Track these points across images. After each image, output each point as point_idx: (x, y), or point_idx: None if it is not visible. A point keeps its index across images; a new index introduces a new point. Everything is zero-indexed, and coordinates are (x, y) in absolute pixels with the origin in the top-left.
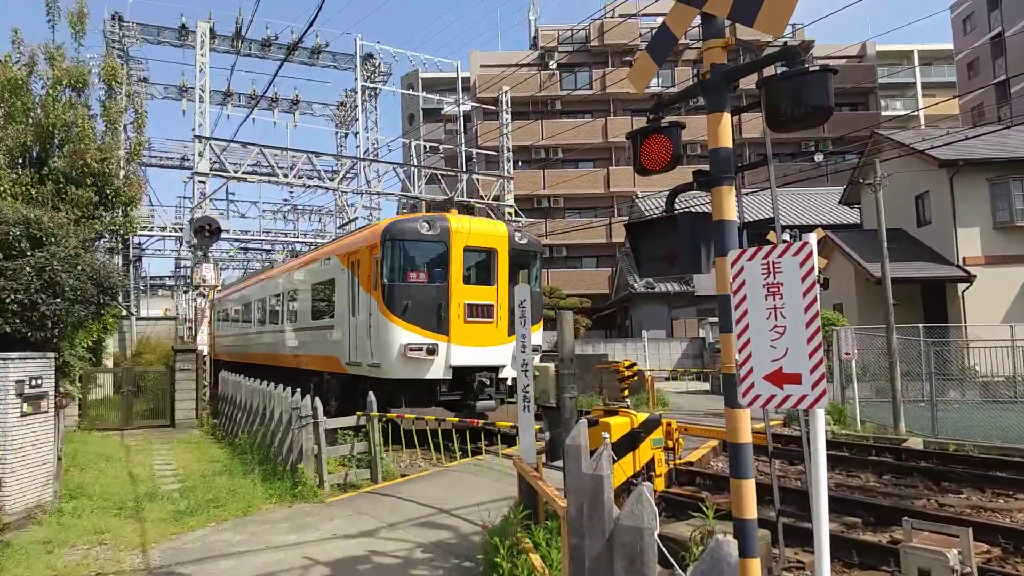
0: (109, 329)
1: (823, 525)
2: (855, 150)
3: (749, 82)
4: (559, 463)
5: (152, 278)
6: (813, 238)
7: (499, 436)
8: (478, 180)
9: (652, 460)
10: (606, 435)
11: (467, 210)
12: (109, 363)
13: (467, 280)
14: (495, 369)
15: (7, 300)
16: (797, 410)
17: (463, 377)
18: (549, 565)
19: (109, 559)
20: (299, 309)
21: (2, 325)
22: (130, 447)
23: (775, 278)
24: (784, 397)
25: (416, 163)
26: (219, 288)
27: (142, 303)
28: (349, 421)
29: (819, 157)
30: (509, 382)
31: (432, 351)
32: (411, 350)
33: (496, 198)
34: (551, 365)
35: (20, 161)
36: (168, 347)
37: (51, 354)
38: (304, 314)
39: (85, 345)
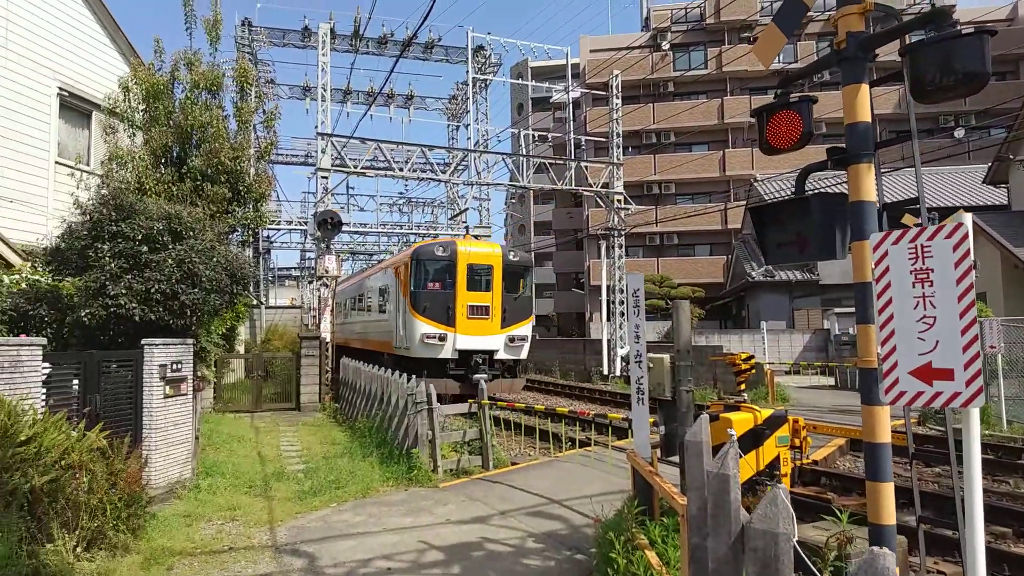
0: (241, 317)
1: (978, 535)
2: (1003, 123)
3: (882, 52)
4: (675, 458)
5: (279, 269)
6: (968, 219)
7: (610, 428)
8: (587, 168)
9: (776, 458)
10: (732, 432)
11: (475, 238)
12: (241, 349)
13: (470, 288)
14: (490, 352)
15: (152, 290)
16: (931, 408)
17: (467, 357)
18: (666, 563)
19: (240, 534)
20: (373, 305)
21: (147, 313)
22: (259, 428)
23: (924, 263)
24: (933, 395)
25: (524, 153)
26: (339, 279)
27: (270, 293)
28: (461, 408)
29: (959, 133)
30: (500, 358)
31: (443, 338)
32: (427, 337)
33: (605, 185)
34: (666, 357)
35: (163, 161)
36: (294, 334)
37: (190, 340)
38: (375, 309)
39: (220, 332)
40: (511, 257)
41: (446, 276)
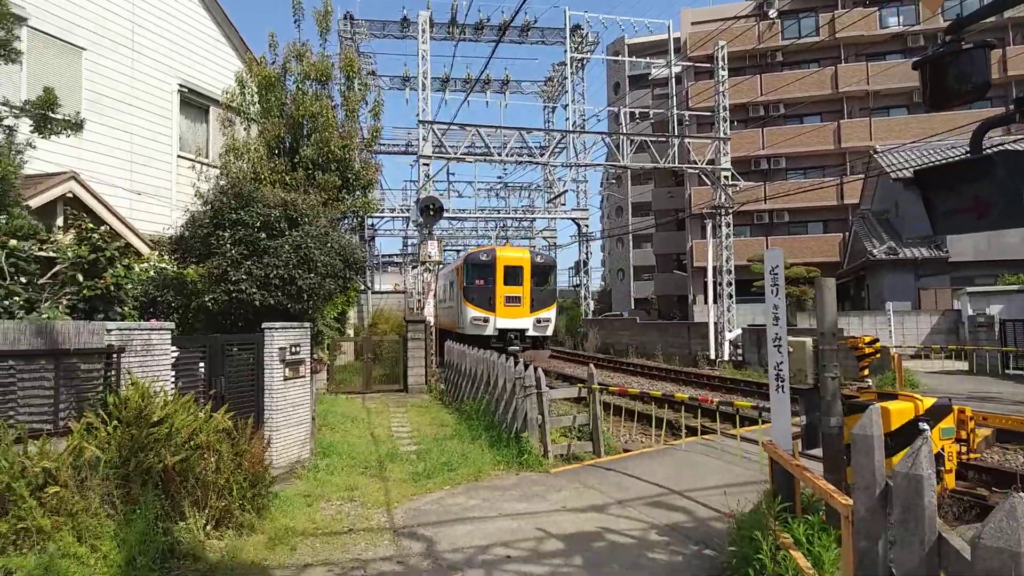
0: (351, 302)
1: None
2: None
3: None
4: (816, 451)
5: (383, 256)
6: None
7: (737, 417)
8: (690, 144)
9: (940, 453)
10: (925, 427)
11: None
12: (350, 333)
13: (506, 283)
14: (522, 330)
15: (271, 275)
16: None
17: (504, 334)
18: (818, 565)
19: (359, 516)
20: (448, 294)
21: (267, 297)
22: (370, 409)
23: None
24: None
25: (623, 131)
26: (441, 265)
27: (375, 279)
28: (570, 392)
29: None
30: (530, 333)
31: (486, 321)
32: (475, 320)
33: (711, 162)
34: (808, 340)
35: (276, 151)
36: (399, 318)
37: (307, 324)
38: (450, 297)
39: (332, 316)
40: (538, 259)
41: (489, 275)
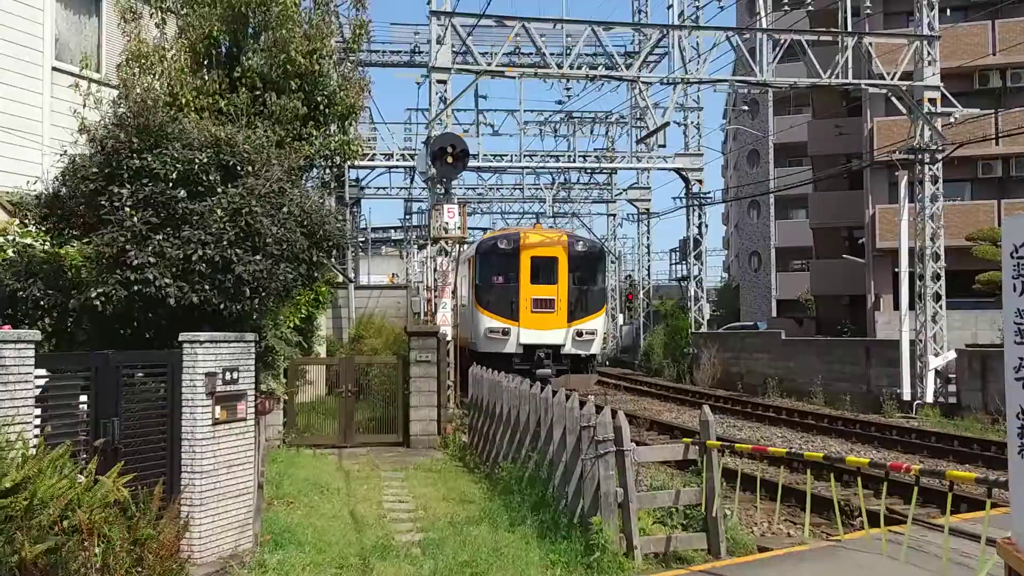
0: (322, 302)
1: None
2: None
3: None
4: None
5: (374, 230)
6: None
7: (950, 496)
8: (872, 47)
9: None
10: None
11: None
12: (322, 351)
13: (534, 280)
14: (556, 346)
15: (193, 257)
16: None
17: (531, 352)
18: None
19: None
20: (461, 295)
21: (187, 293)
22: (351, 473)
23: None
24: None
25: (762, 26)
26: (466, 245)
27: (361, 265)
28: (670, 451)
29: None
30: (567, 353)
31: (506, 333)
32: (491, 332)
33: (906, 76)
34: None
35: (206, 61)
36: (397, 329)
37: (251, 336)
38: (462, 299)
39: (292, 324)
40: (578, 246)
41: (509, 269)
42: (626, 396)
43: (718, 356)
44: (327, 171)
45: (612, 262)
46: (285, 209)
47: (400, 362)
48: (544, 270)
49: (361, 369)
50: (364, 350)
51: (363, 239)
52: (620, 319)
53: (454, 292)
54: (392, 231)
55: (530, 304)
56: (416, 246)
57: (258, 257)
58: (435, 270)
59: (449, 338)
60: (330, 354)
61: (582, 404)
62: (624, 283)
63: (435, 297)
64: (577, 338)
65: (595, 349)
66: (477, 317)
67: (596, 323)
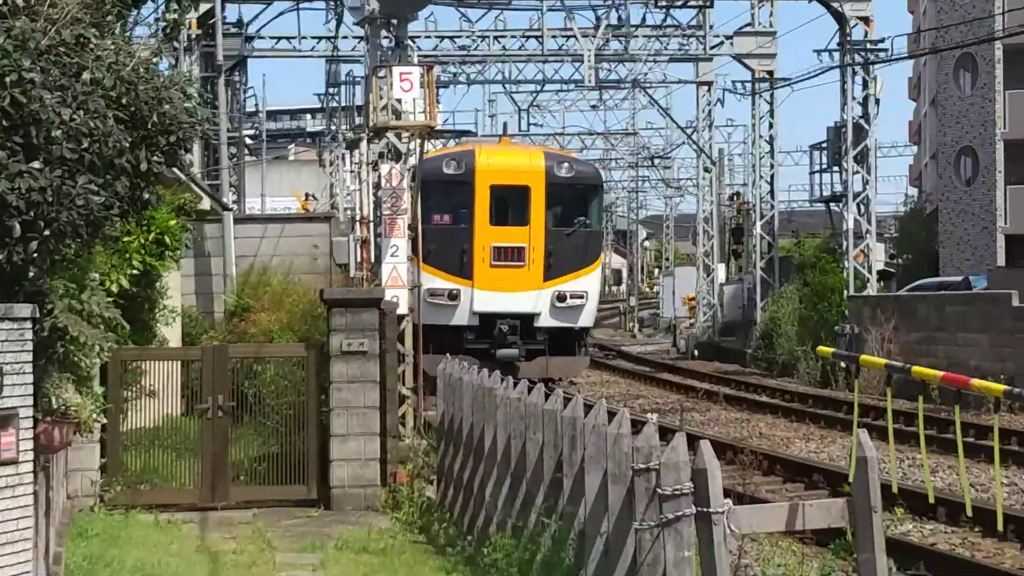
0: (171, 247)
1: None
2: None
3: None
4: None
5: (273, 116)
6: None
7: None
8: None
9: None
10: None
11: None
12: (173, 335)
13: (495, 221)
14: (528, 317)
15: None
16: None
17: (491, 324)
18: None
19: None
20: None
21: None
22: (222, 560)
23: None
24: None
25: None
26: (443, 136)
27: (249, 180)
28: (777, 518)
29: None
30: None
31: (454, 296)
32: (432, 295)
33: None
34: None
35: None
36: (312, 294)
37: (25, 308)
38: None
39: (113, 287)
40: (561, 170)
41: (459, 204)
42: (728, 413)
43: (896, 339)
44: (172, 6)
45: (706, 168)
46: (87, 76)
47: (313, 355)
48: (511, 206)
49: (244, 368)
50: (251, 333)
51: (252, 131)
52: (720, 273)
53: (411, 228)
54: (306, 118)
55: (489, 255)
56: (346, 144)
57: (36, 164)
58: (378, 186)
59: (404, 310)
60: (189, 341)
61: (638, 427)
62: (727, 207)
63: (378, 236)
64: (558, 304)
65: (586, 320)
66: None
67: (586, 282)
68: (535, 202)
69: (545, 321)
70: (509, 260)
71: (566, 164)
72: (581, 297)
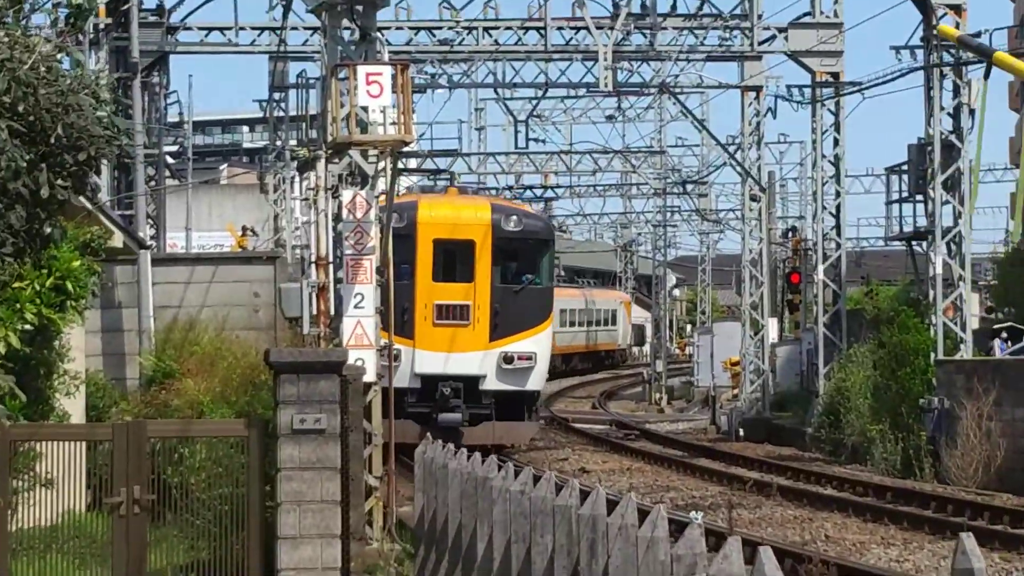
0: (73, 296)
1: None
2: None
3: None
4: None
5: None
6: None
7: None
8: None
9: None
10: None
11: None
12: (76, 407)
13: (439, 277)
14: (472, 380)
15: None
16: None
17: (431, 387)
18: None
19: None
20: None
21: None
22: None
23: None
24: None
25: None
26: (418, 157)
27: (171, 209)
28: None
29: None
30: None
31: (395, 358)
32: None
33: None
34: None
35: None
36: (253, 354)
37: None
38: None
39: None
40: (509, 223)
41: (400, 259)
42: (784, 510)
43: (998, 416)
44: None
45: (753, 198)
46: None
47: (256, 434)
48: (455, 261)
49: (166, 451)
50: (175, 406)
51: (174, 147)
52: (771, 330)
53: (380, 272)
54: (243, 131)
55: (432, 313)
56: (296, 164)
57: None
58: (338, 218)
59: (371, 377)
60: (95, 416)
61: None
62: (780, 246)
63: (339, 283)
64: (505, 365)
65: (535, 383)
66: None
67: (536, 342)
68: (480, 257)
69: (491, 384)
70: (453, 318)
71: (514, 217)
72: (530, 359)
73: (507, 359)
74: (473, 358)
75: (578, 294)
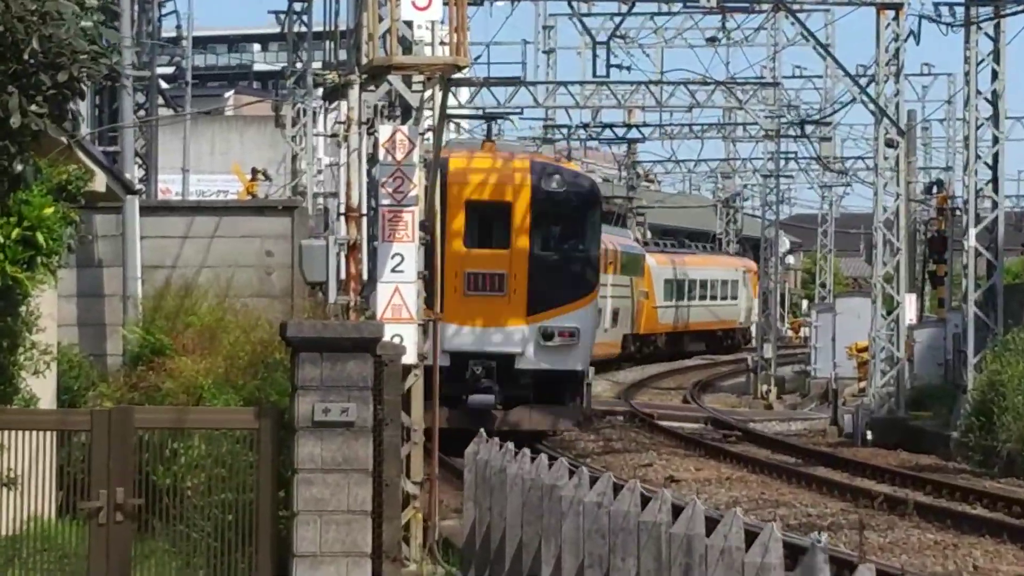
0: (45, 251)
1: None
2: None
3: None
4: None
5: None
6: None
7: None
8: None
9: None
10: None
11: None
12: (47, 387)
13: (470, 242)
14: (507, 358)
15: None
16: None
17: (462, 366)
18: None
19: None
20: None
21: None
22: None
23: None
24: None
25: None
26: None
27: (164, 146)
28: None
29: None
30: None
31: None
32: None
33: None
34: None
35: None
36: (260, 324)
37: None
38: None
39: None
40: (551, 182)
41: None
42: (922, 533)
43: None
44: None
45: (889, 144)
46: None
47: (268, 426)
48: (490, 224)
49: (157, 445)
50: (167, 390)
51: (169, 69)
52: (909, 308)
53: (425, 228)
54: (254, 49)
55: (462, 283)
56: (322, 92)
57: None
58: (373, 160)
59: (412, 358)
60: (70, 400)
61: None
62: (922, 204)
63: (373, 241)
64: (545, 342)
65: (578, 362)
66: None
67: (579, 317)
68: (518, 221)
69: (528, 363)
70: (486, 289)
71: (557, 176)
72: (572, 335)
73: (547, 335)
74: (509, 333)
75: (682, 260)
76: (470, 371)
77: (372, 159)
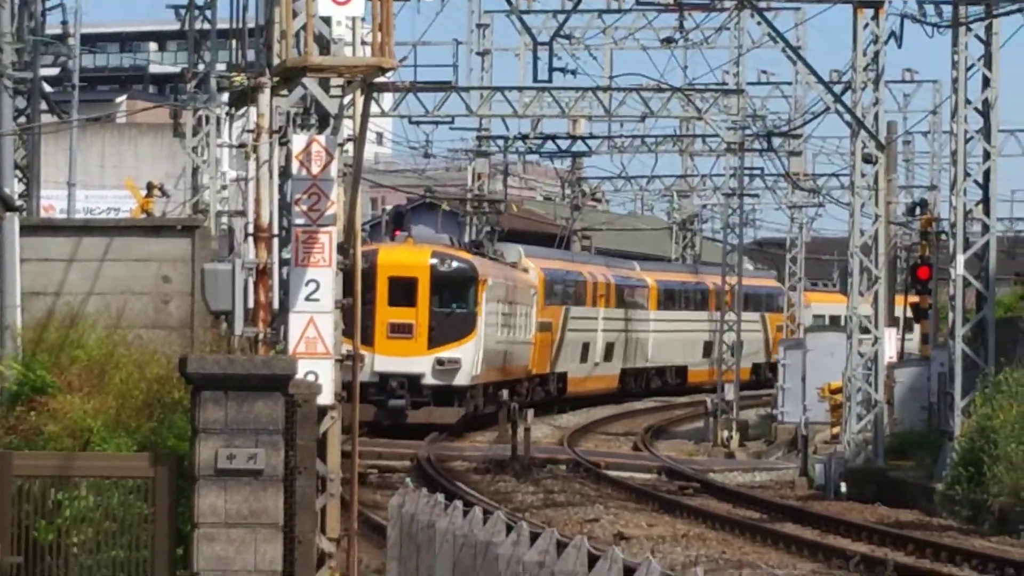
0: None
1: None
2: None
3: None
4: None
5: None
6: None
7: None
8: None
9: None
10: None
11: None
12: None
13: (392, 302)
14: (414, 376)
15: None
16: None
17: (384, 382)
18: None
19: None
20: None
21: None
22: None
23: None
24: None
25: None
26: (396, 88)
27: (47, 158)
28: None
29: None
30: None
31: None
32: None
33: None
34: None
35: None
36: (156, 360)
37: None
38: None
39: None
40: (445, 266)
41: (364, 290)
42: None
43: None
44: None
45: (867, 159)
46: None
47: (165, 474)
48: (404, 291)
49: (37, 496)
50: (50, 433)
51: (57, 68)
52: (888, 343)
53: (344, 252)
54: (150, 49)
55: (386, 329)
56: (228, 97)
57: None
58: (286, 175)
59: (328, 398)
60: None
61: None
62: (903, 227)
63: (286, 264)
64: (439, 367)
65: (461, 379)
66: None
67: (462, 350)
68: (422, 290)
69: (428, 380)
70: (401, 333)
71: (448, 261)
72: (456, 363)
73: (440, 362)
74: (416, 361)
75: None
76: (390, 385)
77: (284, 173)
